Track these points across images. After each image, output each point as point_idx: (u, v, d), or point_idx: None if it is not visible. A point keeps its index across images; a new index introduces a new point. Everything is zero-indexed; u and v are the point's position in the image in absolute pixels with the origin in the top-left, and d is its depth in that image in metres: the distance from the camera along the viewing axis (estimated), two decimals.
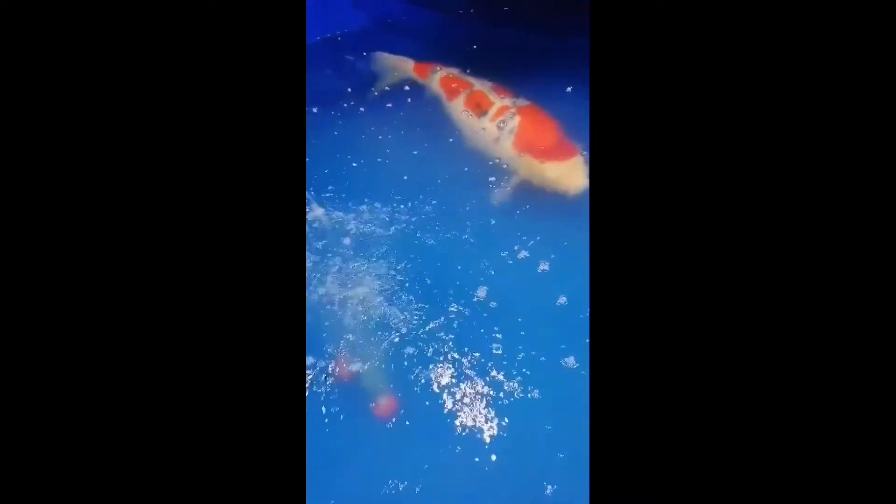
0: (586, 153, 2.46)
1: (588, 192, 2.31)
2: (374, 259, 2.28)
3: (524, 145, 2.54)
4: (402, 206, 2.45)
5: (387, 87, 3.00)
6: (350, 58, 3.19)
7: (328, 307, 2.14)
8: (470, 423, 1.88)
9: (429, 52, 3.14)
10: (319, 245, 2.32)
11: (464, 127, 2.71)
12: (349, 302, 2.16)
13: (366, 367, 2.00)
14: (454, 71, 2.92)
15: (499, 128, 2.60)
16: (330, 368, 1.99)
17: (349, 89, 2.99)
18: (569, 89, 2.75)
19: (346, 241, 2.33)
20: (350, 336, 2.07)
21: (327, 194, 2.49)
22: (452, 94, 2.81)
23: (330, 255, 2.29)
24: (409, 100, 2.92)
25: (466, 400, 1.93)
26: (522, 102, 2.68)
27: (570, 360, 1.97)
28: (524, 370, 1.98)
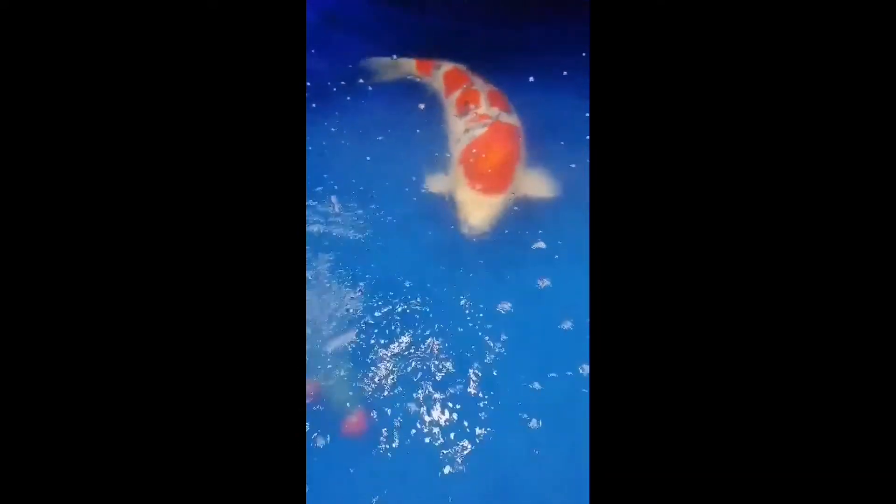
0: (512, 197, 2.44)
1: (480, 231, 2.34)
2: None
3: (467, 156, 2.50)
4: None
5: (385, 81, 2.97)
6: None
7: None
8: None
9: (379, 48, 3.06)
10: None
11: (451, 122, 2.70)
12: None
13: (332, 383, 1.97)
14: (462, 66, 2.91)
15: (465, 130, 2.58)
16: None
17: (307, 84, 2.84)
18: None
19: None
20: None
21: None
22: (452, 89, 2.81)
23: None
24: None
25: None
26: (505, 119, 2.62)
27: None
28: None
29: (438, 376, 1.98)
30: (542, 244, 2.29)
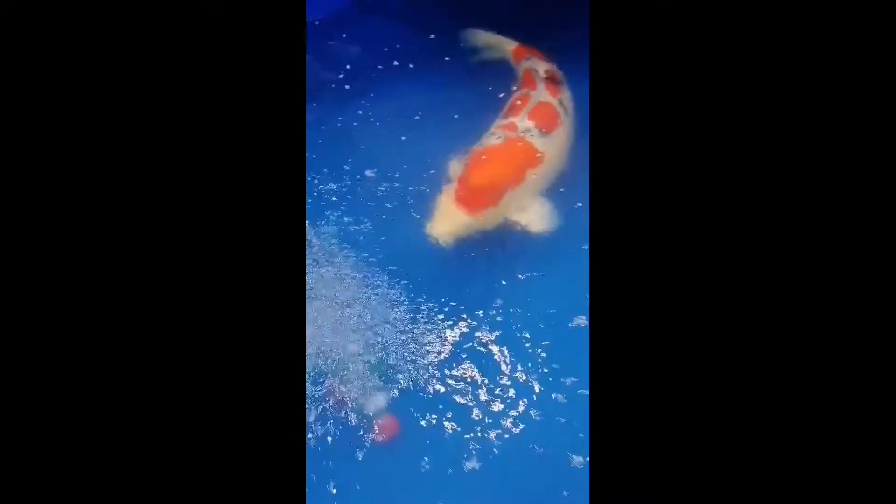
0: (501, 221, 2.30)
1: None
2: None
3: (474, 160, 2.36)
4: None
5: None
6: (332, 43, 3.07)
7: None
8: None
9: (410, 32, 3.03)
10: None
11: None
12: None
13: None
14: (545, 66, 2.66)
15: (491, 132, 2.45)
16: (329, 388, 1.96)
17: (340, 76, 2.89)
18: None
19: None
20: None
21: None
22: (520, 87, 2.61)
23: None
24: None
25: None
26: (534, 138, 2.38)
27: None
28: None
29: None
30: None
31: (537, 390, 1.97)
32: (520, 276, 2.25)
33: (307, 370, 1.95)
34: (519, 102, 2.51)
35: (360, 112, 2.79)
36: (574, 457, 1.80)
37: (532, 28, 2.90)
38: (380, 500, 1.84)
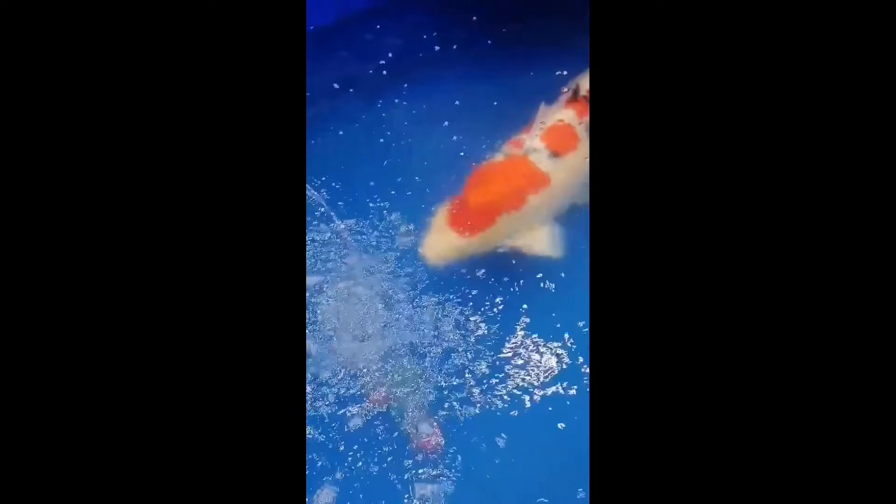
0: (493, 248, 2.21)
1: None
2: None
3: (477, 177, 2.25)
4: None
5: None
6: (369, 37, 3.05)
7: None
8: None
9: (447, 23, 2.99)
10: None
11: None
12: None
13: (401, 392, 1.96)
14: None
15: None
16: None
17: (370, 71, 2.88)
18: None
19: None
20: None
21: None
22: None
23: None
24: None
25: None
26: (538, 159, 2.26)
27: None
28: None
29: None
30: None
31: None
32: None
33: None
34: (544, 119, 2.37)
35: (399, 101, 2.80)
36: None
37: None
38: None
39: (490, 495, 1.85)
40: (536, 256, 2.17)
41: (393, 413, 1.96)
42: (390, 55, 2.91)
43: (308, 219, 2.28)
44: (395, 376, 1.99)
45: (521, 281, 2.19)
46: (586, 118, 2.37)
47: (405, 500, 1.83)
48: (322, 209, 2.25)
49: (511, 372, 2.03)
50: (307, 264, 2.20)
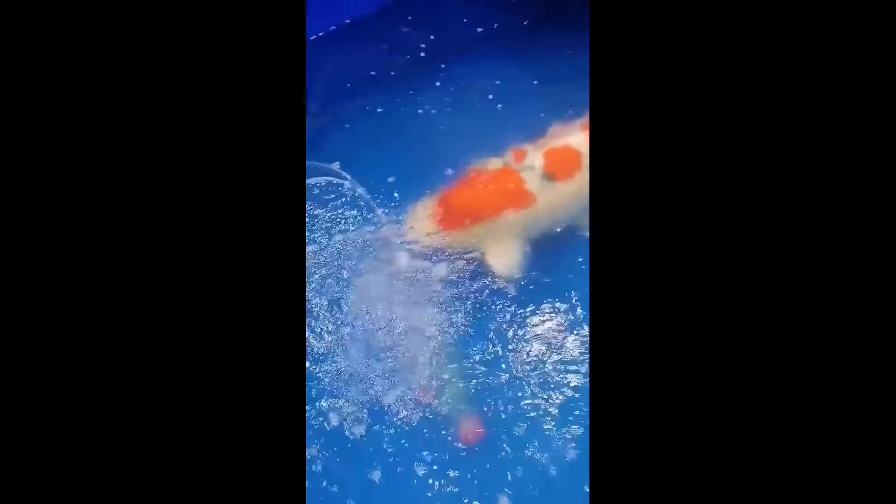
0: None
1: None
2: None
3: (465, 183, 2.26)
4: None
5: None
6: (406, 30, 3.07)
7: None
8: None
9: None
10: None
11: None
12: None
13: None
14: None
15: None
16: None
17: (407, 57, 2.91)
18: None
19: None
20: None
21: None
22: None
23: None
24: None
25: None
26: (537, 175, 2.23)
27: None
28: None
29: None
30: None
31: None
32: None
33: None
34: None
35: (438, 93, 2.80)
36: None
37: None
38: None
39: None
40: (490, 270, 2.17)
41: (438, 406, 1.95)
42: (424, 45, 2.97)
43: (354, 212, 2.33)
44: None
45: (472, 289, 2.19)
46: None
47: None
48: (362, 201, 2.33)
49: None
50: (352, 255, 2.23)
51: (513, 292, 2.12)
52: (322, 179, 2.36)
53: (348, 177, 2.34)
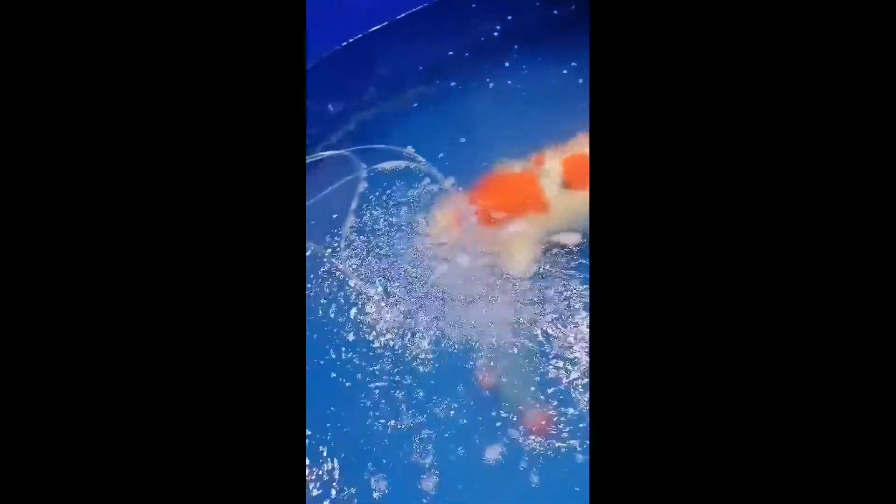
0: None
1: None
2: None
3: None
4: None
5: None
6: (471, 18, 3.01)
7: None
8: None
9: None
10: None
11: None
12: None
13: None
14: None
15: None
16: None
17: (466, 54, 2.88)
18: None
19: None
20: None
21: None
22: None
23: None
24: None
25: None
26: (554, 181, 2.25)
27: None
28: None
29: None
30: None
31: None
32: None
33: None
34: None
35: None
36: None
37: None
38: None
39: None
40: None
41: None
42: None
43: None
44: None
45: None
46: None
47: None
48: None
49: None
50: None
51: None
52: (401, 164, 2.43)
53: (423, 159, 2.41)
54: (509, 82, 2.69)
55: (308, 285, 2.24)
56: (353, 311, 2.17)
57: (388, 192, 2.39)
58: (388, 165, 2.44)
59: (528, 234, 2.19)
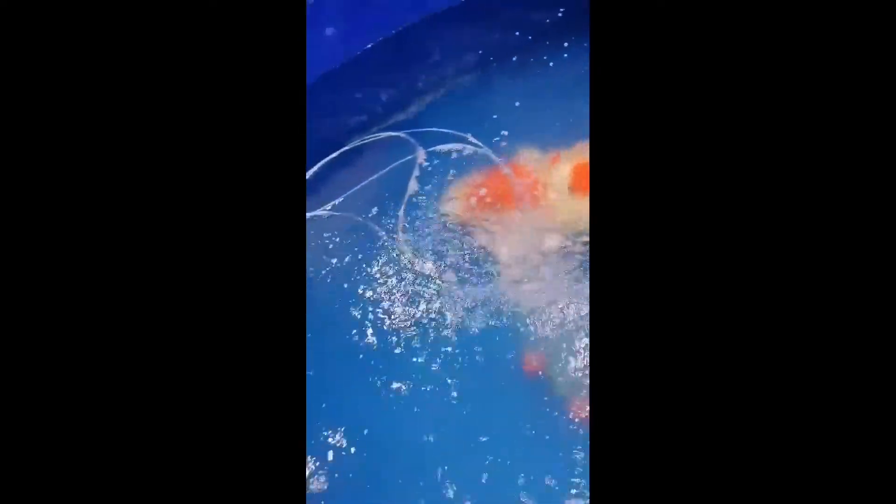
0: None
1: None
2: None
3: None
4: None
5: None
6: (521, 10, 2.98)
7: None
8: None
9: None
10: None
11: None
12: None
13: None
14: None
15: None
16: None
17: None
18: None
19: None
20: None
21: None
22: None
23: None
24: None
25: None
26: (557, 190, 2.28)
27: None
28: None
29: None
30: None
31: None
32: None
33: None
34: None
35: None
36: None
37: None
38: None
39: None
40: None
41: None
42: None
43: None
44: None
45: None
46: None
47: None
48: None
49: None
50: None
51: None
52: (461, 146, 2.46)
53: (482, 145, 2.44)
54: (564, 71, 2.69)
55: (367, 266, 2.29)
56: (411, 290, 2.22)
57: (443, 174, 2.42)
58: (444, 148, 2.47)
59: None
